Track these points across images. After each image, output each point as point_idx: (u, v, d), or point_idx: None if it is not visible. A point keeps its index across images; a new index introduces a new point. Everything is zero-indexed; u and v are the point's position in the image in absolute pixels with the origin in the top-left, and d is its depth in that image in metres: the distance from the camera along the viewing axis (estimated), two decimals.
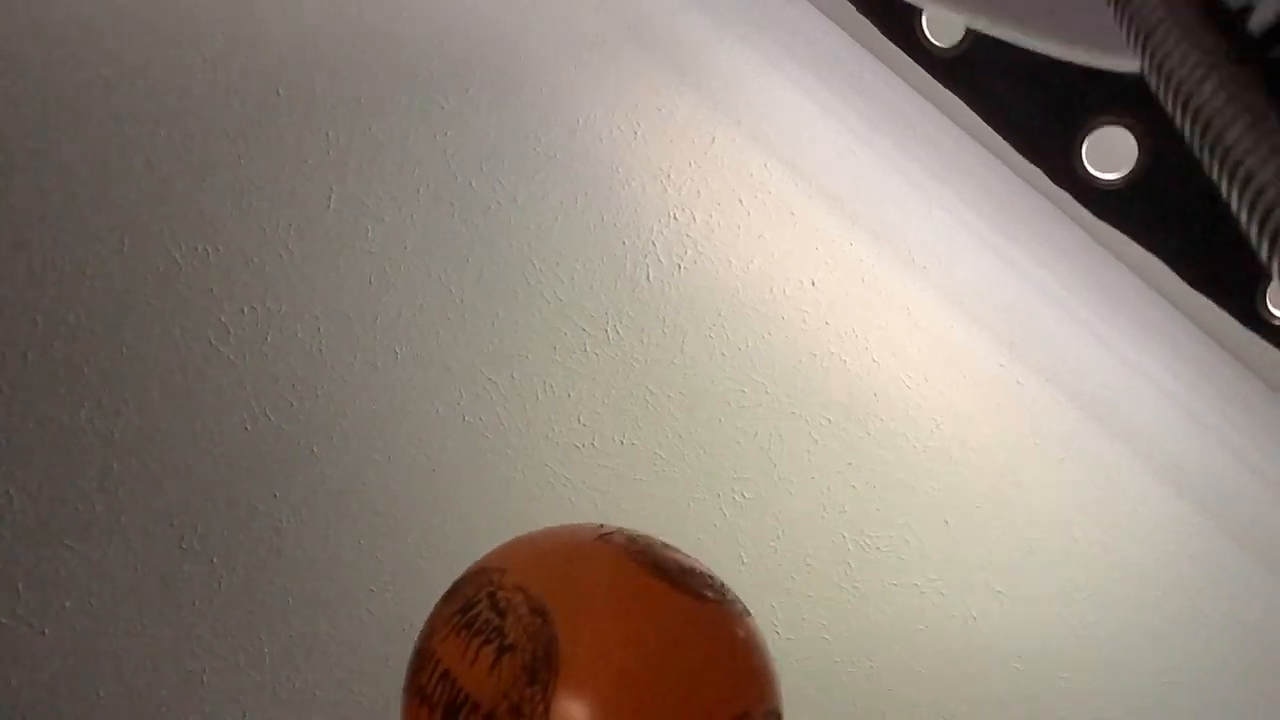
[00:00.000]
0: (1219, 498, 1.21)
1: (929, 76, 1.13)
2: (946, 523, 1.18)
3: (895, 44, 0.79)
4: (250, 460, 1.02)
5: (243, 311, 1.03)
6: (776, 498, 1.15)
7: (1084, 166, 0.74)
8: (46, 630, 0.97)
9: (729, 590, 0.65)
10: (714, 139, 1.15)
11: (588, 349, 1.13)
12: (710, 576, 0.65)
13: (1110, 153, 0.73)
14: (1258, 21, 0.34)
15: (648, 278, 1.14)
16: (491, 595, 0.57)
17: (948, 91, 1.12)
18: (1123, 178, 0.73)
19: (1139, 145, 0.73)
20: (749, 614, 0.65)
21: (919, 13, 0.76)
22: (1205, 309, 1.13)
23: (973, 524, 1.18)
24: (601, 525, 0.70)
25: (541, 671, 0.53)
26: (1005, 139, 0.76)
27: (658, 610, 0.60)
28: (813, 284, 1.17)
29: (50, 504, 0.97)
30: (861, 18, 0.95)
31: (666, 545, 0.67)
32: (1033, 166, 1.13)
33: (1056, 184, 0.74)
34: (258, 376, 1.03)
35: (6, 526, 0.96)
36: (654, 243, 1.14)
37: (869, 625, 1.16)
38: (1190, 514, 1.20)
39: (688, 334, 1.15)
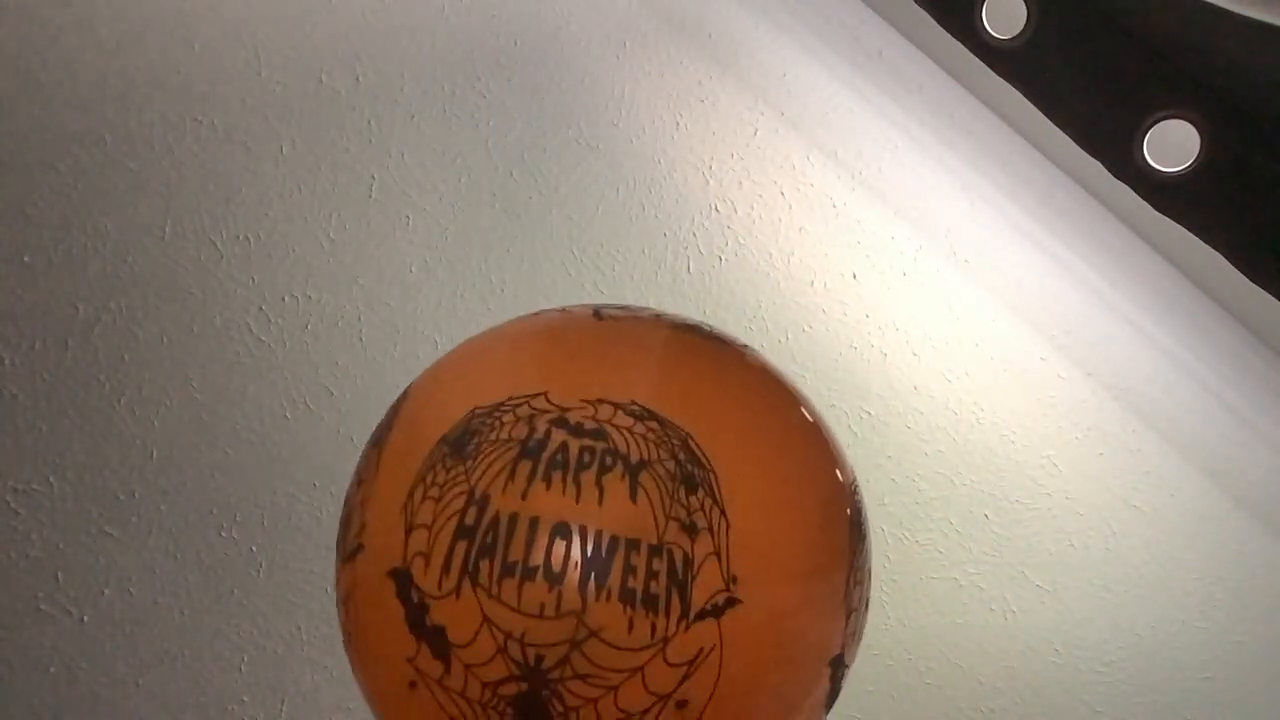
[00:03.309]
0: (1260, 493, 1.21)
1: (970, 67, 1.13)
2: (986, 516, 1.17)
3: (952, 35, 0.78)
4: (290, 449, 1.02)
5: (283, 300, 1.02)
6: None
7: (1145, 159, 0.73)
8: (86, 617, 0.97)
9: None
10: (756, 130, 1.15)
11: None
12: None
13: (1172, 146, 0.73)
14: None
15: (688, 269, 1.14)
16: (560, 420, 0.45)
17: (989, 83, 1.11)
18: (1183, 171, 0.73)
19: (1201, 138, 0.72)
20: None
21: (978, 3, 0.75)
22: (1255, 308, 1.13)
23: (1013, 518, 1.18)
24: (567, 309, 0.57)
25: (697, 474, 0.44)
26: (1065, 132, 0.75)
27: (733, 364, 0.52)
28: (854, 277, 1.17)
29: (90, 491, 0.97)
30: (905, 6, 0.94)
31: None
32: (1076, 159, 1.13)
33: (1117, 177, 0.73)
34: (298, 365, 1.03)
35: (46, 514, 0.96)
36: (695, 234, 1.14)
37: (908, 618, 1.16)
38: (1230, 509, 1.20)
39: (728, 326, 1.14)
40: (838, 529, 0.50)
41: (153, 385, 0.99)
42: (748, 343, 0.57)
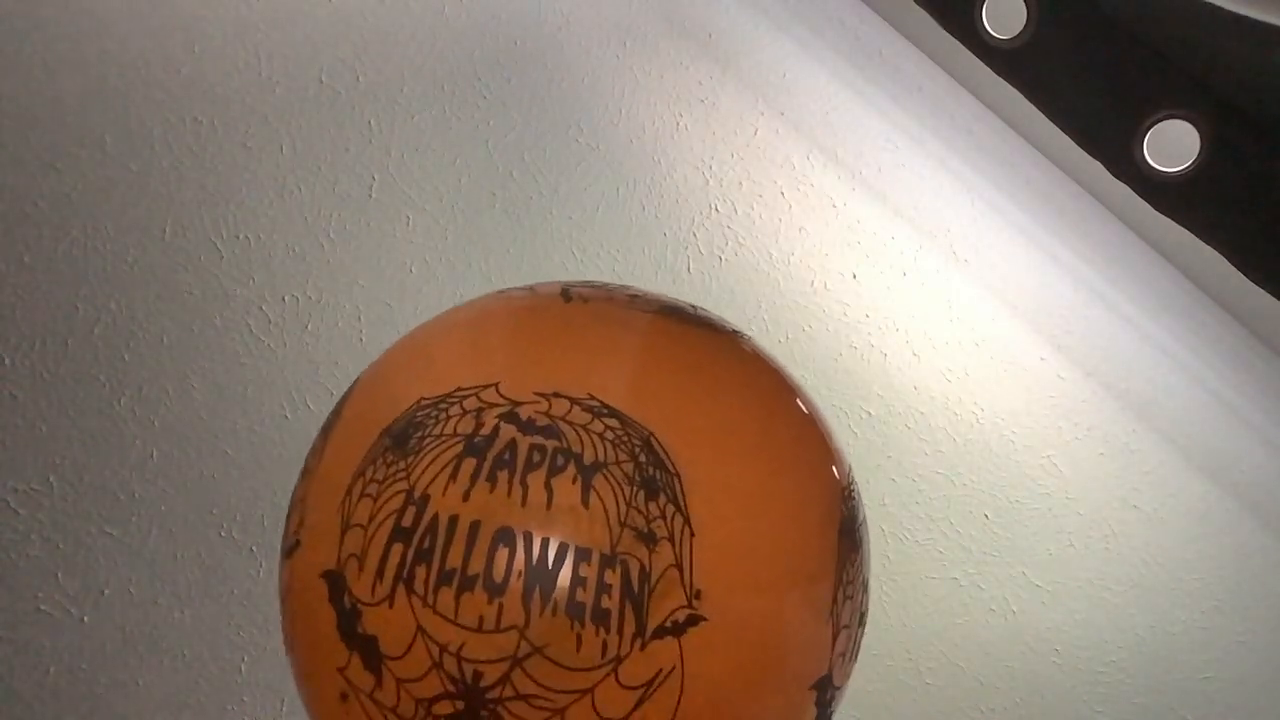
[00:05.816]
0: (1260, 493, 1.21)
1: (970, 67, 1.13)
2: (986, 516, 1.17)
3: (952, 35, 0.78)
4: (290, 449, 1.02)
5: (283, 300, 1.02)
6: None
7: (1145, 159, 0.73)
8: (86, 618, 0.97)
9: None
10: (756, 130, 1.15)
11: None
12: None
13: (1172, 146, 0.73)
14: None
15: (688, 269, 1.14)
16: (509, 415, 0.40)
17: (989, 83, 1.11)
18: (1183, 171, 0.73)
19: (1201, 138, 0.72)
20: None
21: (978, 3, 0.75)
22: (1255, 308, 1.13)
23: (1012, 517, 1.18)
24: (534, 287, 0.51)
25: (659, 477, 0.40)
26: (1065, 132, 0.75)
27: (719, 352, 0.47)
28: (854, 277, 1.17)
29: (90, 491, 0.97)
30: (905, 6, 0.94)
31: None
32: (1076, 159, 1.13)
33: (1117, 177, 0.73)
34: (298, 365, 1.03)
35: (46, 513, 0.96)
36: (695, 234, 1.14)
37: (908, 619, 1.16)
38: (1230, 508, 1.20)
39: None
40: (824, 536, 0.45)
41: (153, 385, 0.99)
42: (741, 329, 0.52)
